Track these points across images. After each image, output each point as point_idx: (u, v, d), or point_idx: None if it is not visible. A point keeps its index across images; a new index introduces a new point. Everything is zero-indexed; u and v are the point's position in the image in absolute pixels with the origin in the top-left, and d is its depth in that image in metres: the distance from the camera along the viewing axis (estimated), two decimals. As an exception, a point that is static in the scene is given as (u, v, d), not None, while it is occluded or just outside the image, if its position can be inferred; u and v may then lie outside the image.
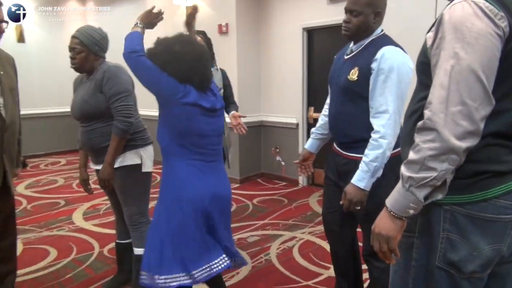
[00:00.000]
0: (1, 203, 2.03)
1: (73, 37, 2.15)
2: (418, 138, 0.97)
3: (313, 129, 2.09)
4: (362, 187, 1.63)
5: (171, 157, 1.70)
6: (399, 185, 1.01)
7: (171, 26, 5.07)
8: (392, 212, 1.03)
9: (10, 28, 6.11)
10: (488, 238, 1.01)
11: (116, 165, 2.14)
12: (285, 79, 4.75)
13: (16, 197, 4.37)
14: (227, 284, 2.48)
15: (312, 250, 2.97)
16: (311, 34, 4.49)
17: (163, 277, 1.62)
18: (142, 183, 2.25)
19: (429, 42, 1.01)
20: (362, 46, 1.73)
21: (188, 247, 1.64)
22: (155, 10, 1.92)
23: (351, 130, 1.77)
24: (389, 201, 1.04)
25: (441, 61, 0.95)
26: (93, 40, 2.13)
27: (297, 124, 4.67)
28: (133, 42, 1.70)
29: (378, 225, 1.06)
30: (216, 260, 1.69)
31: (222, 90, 2.83)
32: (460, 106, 0.91)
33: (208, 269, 1.66)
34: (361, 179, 1.64)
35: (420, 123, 0.97)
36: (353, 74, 1.69)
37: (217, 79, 2.79)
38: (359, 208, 1.67)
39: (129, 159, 2.17)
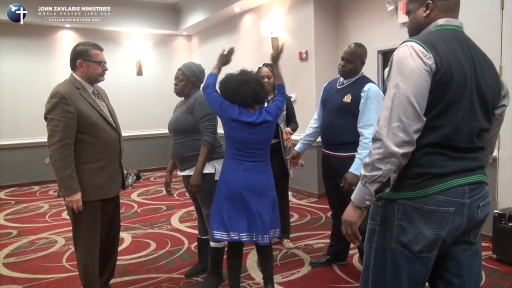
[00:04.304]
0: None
1: (179, 69, 2.76)
2: (371, 147, 1.31)
3: (302, 136, 3.03)
4: (357, 174, 2.19)
5: (225, 154, 2.46)
6: (359, 182, 1.33)
7: (258, 55, 5.73)
8: (354, 203, 1.34)
9: (132, 63, 7.41)
10: (429, 225, 1.29)
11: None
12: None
13: (129, 202, 5.36)
14: (288, 279, 2.86)
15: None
16: (386, 55, 4.69)
17: (214, 231, 2.39)
18: (214, 189, 2.71)
19: (385, 75, 1.34)
20: (350, 82, 2.68)
21: (223, 214, 2.35)
22: (225, 52, 2.60)
23: (341, 136, 2.64)
24: (353, 195, 1.36)
25: (388, 89, 1.29)
26: (193, 72, 2.71)
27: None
28: (207, 80, 2.53)
29: (345, 213, 1.38)
30: (237, 233, 2.34)
31: (285, 112, 3.26)
32: (398, 122, 1.23)
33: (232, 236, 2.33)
34: (357, 169, 2.43)
35: (372, 135, 1.31)
36: (347, 98, 2.60)
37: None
38: (354, 188, 2.33)
39: (206, 168, 2.64)
